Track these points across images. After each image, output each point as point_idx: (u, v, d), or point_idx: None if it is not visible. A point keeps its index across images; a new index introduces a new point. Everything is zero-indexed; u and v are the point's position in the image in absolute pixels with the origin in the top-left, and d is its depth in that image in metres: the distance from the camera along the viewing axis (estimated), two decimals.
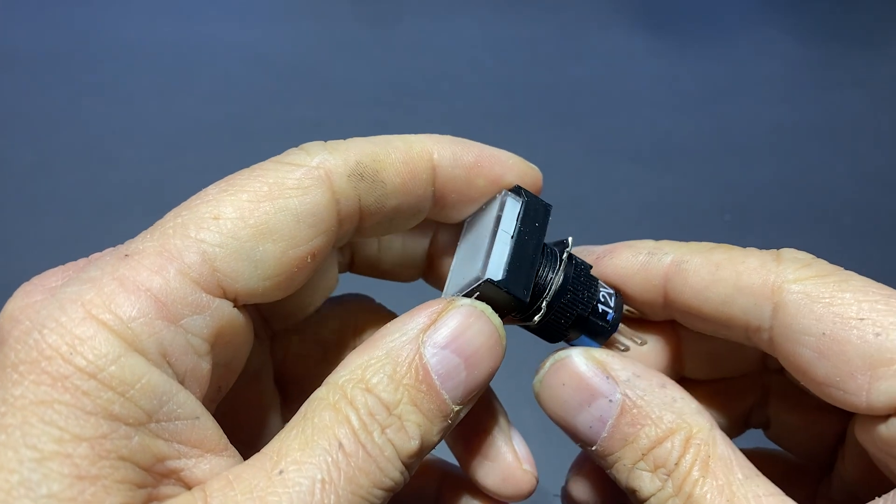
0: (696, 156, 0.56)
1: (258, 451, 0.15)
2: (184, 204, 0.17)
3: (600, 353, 0.19)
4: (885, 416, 0.16)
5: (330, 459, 0.14)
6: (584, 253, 0.23)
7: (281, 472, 0.14)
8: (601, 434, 0.17)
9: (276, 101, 0.61)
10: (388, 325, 0.17)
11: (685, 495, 0.16)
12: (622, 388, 0.18)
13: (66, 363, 0.13)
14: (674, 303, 0.19)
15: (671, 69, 0.67)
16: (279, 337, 0.21)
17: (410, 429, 0.15)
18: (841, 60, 0.68)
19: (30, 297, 0.15)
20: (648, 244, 0.20)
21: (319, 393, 0.16)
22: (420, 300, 0.18)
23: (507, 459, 0.19)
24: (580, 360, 0.19)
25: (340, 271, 0.22)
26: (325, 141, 0.19)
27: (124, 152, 0.55)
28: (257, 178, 0.17)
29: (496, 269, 0.18)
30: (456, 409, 0.16)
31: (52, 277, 0.16)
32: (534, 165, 0.21)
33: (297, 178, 0.17)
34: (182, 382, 0.15)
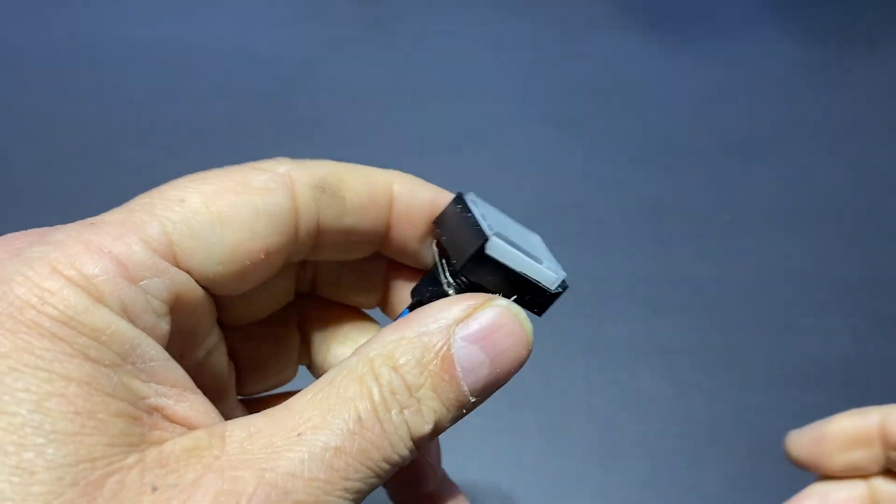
0: (696, 156, 0.56)
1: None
2: (154, 189, 0.18)
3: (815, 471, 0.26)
4: None
5: (347, 429, 0.15)
6: (808, 430, 0.27)
7: (300, 434, 0.15)
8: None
9: (276, 102, 0.61)
10: (426, 307, 0.18)
11: None
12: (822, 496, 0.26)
13: (38, 313, 0.14)
14: (892, 443, 0.24)
15: (671, 69, 0.67)
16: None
17: (426, 413, 0.16)
18: (841, 60, 0.69)
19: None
20: (857, 411, 0.25)
21: (349, 362, 0.17)
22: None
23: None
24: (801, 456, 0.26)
25: (299, 291, 0.23)
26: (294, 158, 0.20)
27: (125, 152, 0.55)
28: (226, 174, 0.18)
29: (558, 270, 0.20)
30: (472, 400, 0.17)
31: (16, 241, 0.17)
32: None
33: (263, 179, 0.18)
34: (146, 334, 0.16)
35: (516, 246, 0.19)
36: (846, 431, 0.25)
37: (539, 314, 0.21)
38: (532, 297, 0.20)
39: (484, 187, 0.52)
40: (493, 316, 0.17)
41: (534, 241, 0.22)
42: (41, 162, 0.54)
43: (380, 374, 0.16)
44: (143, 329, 0.16)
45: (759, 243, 0.48)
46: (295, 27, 0.72)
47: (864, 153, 0.57)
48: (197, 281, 0.17)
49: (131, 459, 0.14)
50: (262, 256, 0.18)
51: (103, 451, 0.14)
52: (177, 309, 0.17)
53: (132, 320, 0.15)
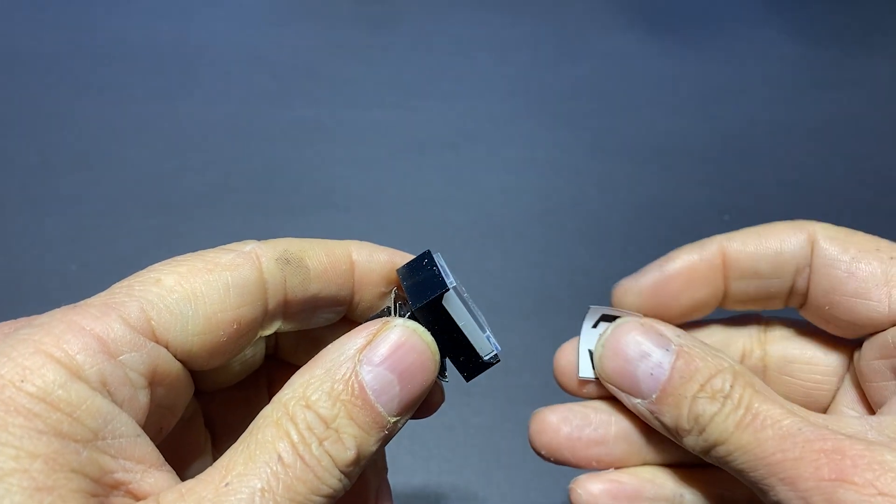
0: (696, 156, 0.56)
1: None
2: (133, 274, 0.19)
3: (648, 319, 0.23)
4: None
5: (270, 471, 0.16)
6: (642, 275, 0.25)
7: (227, 483, 0.16)
8: (661, 378, 0.21)
9: (276, 102, 0.61)
10: (331, 345, 0.19)
11: (744, 406, 0.19)
12: (675, 341, 0.22)
13: (17, 390, 0.15)
14: (735, 273, 0.23)
15: (671, 69, 0.67)
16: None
17: (347, 440, 0.17)
18: (840, 61, 0.69)
19: None
20: (686, 247, 0.24)
21: (265, 411, 0.18)
22: None
23: None
24: (637, 322, 0.23)
25: (266, 354, 0.24)
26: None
27: (125, 153, 0.55)
28: (198, 257, 0.19)
29: (496, 344, 0.21)
30: (392, 420, 0.18)
31: (4, 325, 0.18)
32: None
33: (231, 257, 0.19)
34: (122, 408, 0.17)
35: (469, 308, 0.20)
36: (689, 266, 0.24)
37: (467, 379, 0.21)
38: (466, 359, 0.21)
39: (484, 187, 0.53)
40: (395, 336, 0.19)
41: (479, 314, 0.22)
42: (42, 162, 0.54)
43: (294, 415, 0.17)
44: (122, 401, 0.17)
45: None
46: (295, 27, 0.72)
47: (863, 153, 0.57)
48: (175, 355, 0.18)
49: None
50: (235, 327, 0.19)
51: None
52: (155, 382, 0.18)
53: (111, 393, 0.17)
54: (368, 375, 0.18)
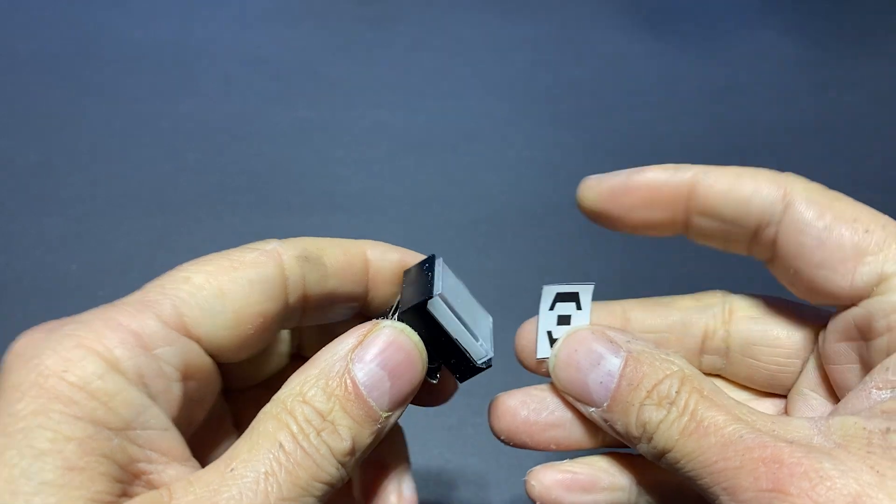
0: (695, 156, 0.56)
1: None
2: (164, 273, 0.21)
3: (600, 325, 0.23)
4: (861, 299, 0.20)
5: (272, 457, 0.18)
6: (609, 177, 0.24)
7: (232, 469, 0.17)
8: (611, 386, 0.21)
9: (276, 102, 0.61)
10: (325, 347, 0.20)
11: (689, 412, 0.19)
12: (624, 347, 0.21)
13: (59, 380, 0.17)
14: (698, 207, 0.22)
15: (671, 70, 0.67)
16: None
17: (343, 431, 0.18)
18: (839, 61, 0.69)
19: (32, 335, 0.19)
20: (662, 165, 0.23)
21: (266, 408, 0.19)
22: None
23: (391, 502, 0.22)
24: (588, 331, 0.22)
25: (291, 353, 0.26)
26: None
27: (126, 153, 0.55)
28: (224, 256, 0.21)
29: (489, 350, 0.22)
30: (384, 415, 0.19)
31: (51, 323, 0.19)
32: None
33: (254, 256, 0.21)
34: (155, 401, 0.18)
35: (457, 314, 0.21)
36: (655, 184, 0.23)
37: (460, 380, 0.22)
38: (458, 362, 0.22)
39: (484, 187, 0.53)
40: (384, 336, 0.20)
41: (482, 321, 0.23)
42: (42, 162, 0.54)
43: (293, 409, 0.18)
44: (157, 393, 0.18)
45: None
46: (295, 27, 0.72)
47: (862, 153, 0.57)
48: (206, 349, 0.20)
49: None
50: (260, 320, 0.20)
51: (83, 503, 0.16)
52: (188, 375, 0.19)
53: (146, 385, 0.18)
54: (360, 372, 0.19)
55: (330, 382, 0.19)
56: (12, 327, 0.43)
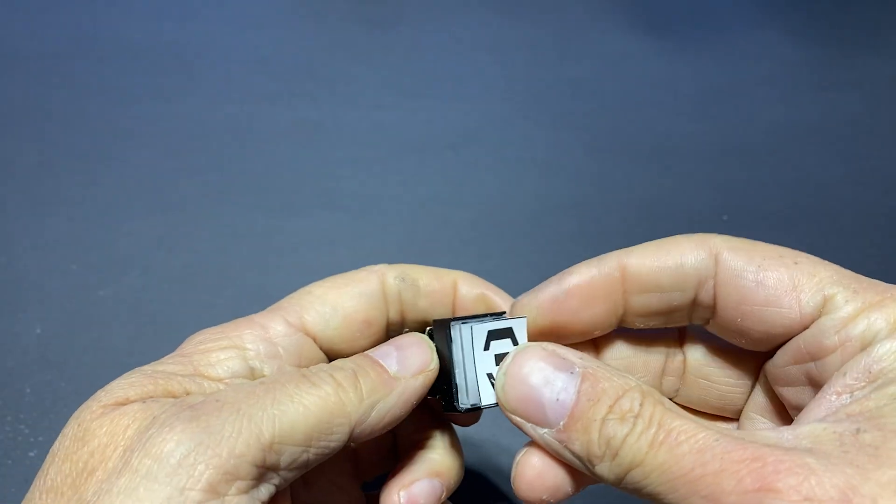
0: (695, 156, 0.56)
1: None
2: (297, 290, 0.26)
3: (549, 343, 0.22)
4: (810, 324, 0.20)
5: (274, 377, 0.22)
6: (541, 289, 0.24)
7: (262, 382, 0.22)
8: (568, 403, 0.20)
9: (277, 102, 0.61)
10: None
11: (656, 423, 0.18)
12: (578, 364, 0.21)
13: (193, 347, 0.24)
14: (635, 287, 0.23)
15: (670, 70, 0.67)
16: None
17: (345, 367, 0.22)
18: (838, 61, 0.69)
19: (196, 333, 0.24)
20: (585, 262, 0.23)
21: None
22: None
23: (391, 501, 0.25)
24: (538, 347, 0.22)
25: None
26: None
27: (126, 153, 0.55)
28: (340, 276, 0.26)
29: (478, 401, 0.23)
30: (393, 371, 0.23)
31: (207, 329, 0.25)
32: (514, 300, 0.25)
33: (363, 274, 0.26)
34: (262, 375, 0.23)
35: (466, 357, 0.22)
36: (588, 281, 0.23)
37: (444, 410, 0.24)
38: (447, 391, 0.24)
39: (484, 187, 0.53)
40: (404, 336, 0.25)
41: (492, 394, 0.23)
42: (42, 162, 0.54)
43: (318, 369, 0.22)
44: (273, 371, 0.24)
45: None
46: (295, 28, 0.72)
47: (862, 153, 0.57)
48: (321, 345, 0.25)
49: (136, 403, 0.21)
50: (365, 325, 0.26)
51: (135, 398, 0.21)
52: (300, 363, 0.24)
53: (262, 362, 0.24)
54: (376, 352, 0.24)
55: (351, 358, 0.23)
56: (12, 328, 0.43)
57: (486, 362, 0.23)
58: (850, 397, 0.19)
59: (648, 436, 0.18)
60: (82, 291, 0.44)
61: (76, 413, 0.21)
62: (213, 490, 0.18)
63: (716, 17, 0.76)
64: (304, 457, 0.20)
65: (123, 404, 0.20)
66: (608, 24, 0.73)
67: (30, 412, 0.37)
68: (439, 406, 0.25)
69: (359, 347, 0.26)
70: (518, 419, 0.21)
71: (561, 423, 0.20)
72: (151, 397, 0.20)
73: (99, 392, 0.21)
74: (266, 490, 0.20)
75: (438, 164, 0.55)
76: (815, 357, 0.20)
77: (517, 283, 0.45)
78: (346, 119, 0.59)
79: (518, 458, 0.22)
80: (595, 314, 0.23)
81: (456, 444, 0.26)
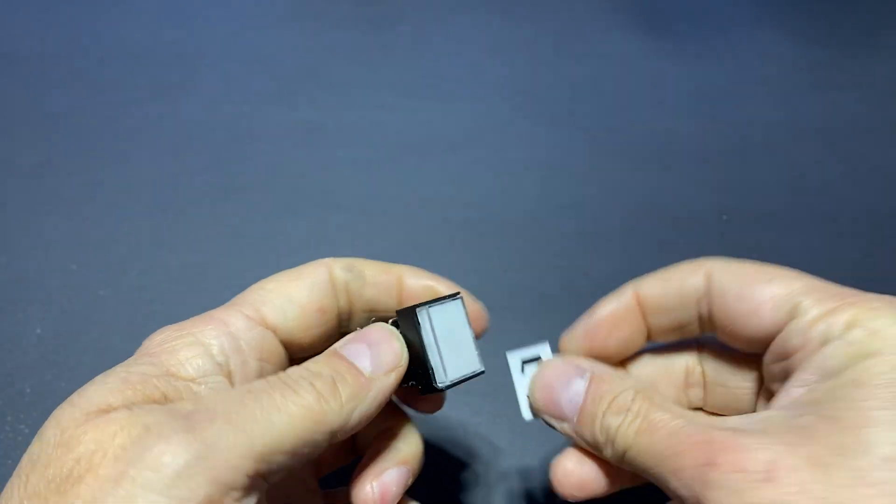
0: (694, 156, 0.56)
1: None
2: (250, 287, 0.27)
3: (567, 354, 0.28)
4: (783, 329, 0.24)
5: (259, 385, 0.22)
6: (577, 326, 0.29)
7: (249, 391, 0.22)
8: (579, 402, 0.25)
9: (277, 103, 0.61)
10: None
11: (642, 415, 0.23)
12: (589, 370, 0.26)
13: (158, 346, 0.24)
14: (650, 310, 0.28)
15: (670, 70, 0.67)
16: None
17: (324, 374, 0.23)
18: (838, 61, 0.69)
19: (157, 332, 0.24)
20: (606, 298, 0.28)
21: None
22: None
23: (364, 491, 0.26)
24: (559, 359, 0.27)
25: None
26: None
27: (126, 153, 0.55)
28: (290, 270, 0.27)
29: (454, 380, 0.26)
30: (367, 373, 0.24)
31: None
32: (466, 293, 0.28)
33: (312, 268, 0.27)
34: (232, 372, 0.24)
35: (437, 337, 0.25)
36: (611, 312, 0.28)
37: (420, 393, 0.26)
38: (423, 374, 0.25)
39: (484, 187, 0.53)
40: (364, 328, 0.25)
41: (466, 363, 0.26)
42: (42, 162, 0.54)
43: (292, 371, 0.23)
44: (236, 365, 0.24)
45: (756, 243, 0.48)
46: (295, 28, 0.72)
47: (861, 153, 0.57)
48: (281, 338, 0.26)
49: (121, 410, 0.21)
50: (319, 313, 0.27)
51: (117, 404, 0.21)
52: (263, 357, 0.25)
53: (227, 357, 0.24)
54: (344, 348, 0.24)
55: (319, 357, 0.24)
56: (13, 328, 0.43)
57: (524, 385, 0.27)
58: (805, 389, 0.22)
59: (635, 425, 0.23)
60: (82, 291, 0.44)
61: (54, 418, 0.21)
62: (211, 502, 0.19)
63: (715, 18, 0.76)
64: (289, 463, 0.21)
65: (107, 411, 0.20)
66: (608, 24, 0.73)
67: (30, 412, 0.37)
68: (410, 392, 0.27)
69: (315, 336, 0.27)
70: (546, 416, 0.27)
71: (575, 419, 0.25)
72: (134, 403, 0.21)
73: (74, 397, 0.21)
74: (254, 498, 0.20)
75: (438, 164, 0.55)
76: (786, 356, 0.24)
77: (517, 283, 0.46)
78: (346, 119, 0.59)
79: (555, 460, 0.26)
80: (622, 337, 0.28)
81: (415, 431, 0.28)
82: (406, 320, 0.25)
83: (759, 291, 0.24)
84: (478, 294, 0.46)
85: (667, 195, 0.52)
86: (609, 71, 0.66)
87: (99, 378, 0.22)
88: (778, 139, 0.58)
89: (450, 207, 0.51)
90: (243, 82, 0.63)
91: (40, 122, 0.58)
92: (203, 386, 0.23)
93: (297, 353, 0.27)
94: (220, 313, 0.25)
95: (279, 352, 0.26)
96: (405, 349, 0.25)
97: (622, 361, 0.29)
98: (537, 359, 0.29)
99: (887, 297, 0.23)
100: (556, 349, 0.29)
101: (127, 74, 0.64)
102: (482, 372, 0.26)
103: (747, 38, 0.72)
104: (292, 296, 0.26)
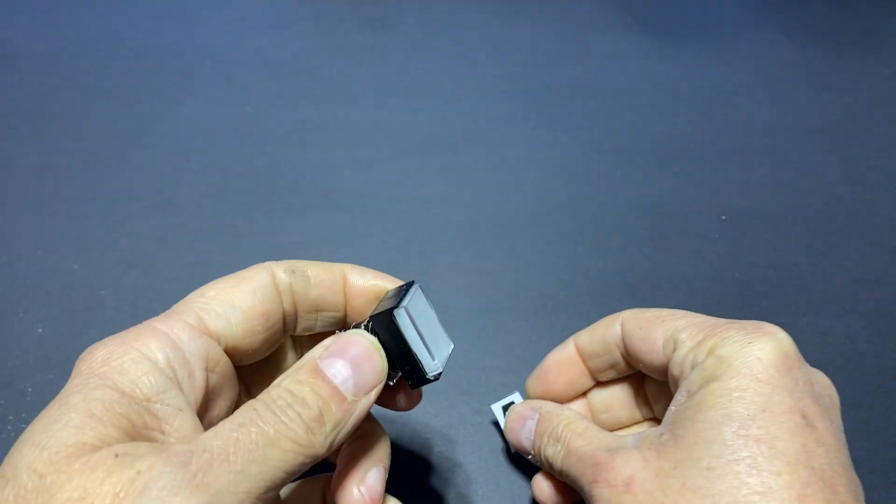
0: (693, 157, 0.57)
1: None
2: (189, 294, 0.26)
3: (529, 400, 0.34)
4: (669, 360, 0.28)
5: (246, 415, 0.22)
6: (534, 373, 0.35)
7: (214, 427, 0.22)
8: (531, 438, 0.31)
9: (277, 103, 0.61)
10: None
11: (564, 443, 0.29)
12: (538, 411, 0.32)
13: (102, 364, 0.22)
14: (585, 356, 0.33)
15: (669, 71, 0.67)
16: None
17: (311, 402, 0.23)
18: (836, 62, 0.69)
19: (94, 346, 0.23)
20: (554, 350, 0.34)
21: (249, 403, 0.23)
22: None
23: (353, 496, 0.26)
24: (520, 404, 0.33)
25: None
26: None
27: (127, 153, 0.55)
28: (230, 276, 0.27)
29: (441, 367, 0.27)
30: (351, 398, 0.24)
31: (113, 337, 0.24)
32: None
33: (253, 272, 0.27)
34: (181, 384, 0.23)
35: (418, 330, 0.26)
36: (556, 361, 0.33)
37: (411, 387, 0.27)
38: (411, 370, 0.26)
39: (484, 187, 0.53)
40: (345, 337, 0.25)
41: (443, 345, 0.28)
42: (42, 162, 0.54)
43: (269, 391, 0.23)
44: (182, 378, 0.23)
45: (755, 243, 0.48)
46: (295, 29, 0.72)
47: (859, 154, 0.57)
48: (224, 346, 0.25)
49: (104, 452, 0.20)
50: (264, 318, 0.26)
51: (92, 442, 0.20)
52: (209, 367, 0.24)
53: (174, 370, 0.23)
54: (324, 363, 0.24)
55: (300, 372, 0.23)
56: (14, 328, 0.43)
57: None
58: (674, 409, 0.26)
59: (562, 452, 0.29)
60: (83, 291, 0.44)
61: (24, 460, 0.19)
62: None
63: (715, 18, 0.76)
64: (279, 491, 0.22)
65: (83, 451, 0.19)
66: (608, 25, 0.74)
67: (31, 412, 0.37)
68: (387, 394, 0.28)
69: (260, 342, 0.26)
70: (517, 450, 0.33)
71: (532, 451, 0.31)
72: (108, 440, 0.20)
73: (40, 437, 0.20)
74: None
75: (438, 164, 0.55)
76: (675, 381, 0.27)
77: (517, 283, 0.46)
78: (346, 119, 0.59)
79: (533, 478, 0.33)
80: (568, 380, 0.33)
81: (382, 428, 0.28)
82: (382, 323, 0.25)
83: (653, 332, 0.29)
84: (478, 294, 0.46)
85: (666, 196, 0.52)
86: (609, 72, 0.66)
87: (56, 411, 0.20)
88: (777, 139, 0.59)
89: (449, 207, 0.51)
90: (243, 82, 0.63)
91: (40, 122, 0.58)
92: (160, 405, 0.22)
93: (242, 360, 0.26)
94: (160, 324, 0.24)
95: (225, 360, 0.25)
96: (385, 362, 0.25)
97: (585, 392, 0.34)
98: (511, 403, 0.35)
99: (750, 324, 0.26)
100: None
101: (127, 74, 0.64)
102: (453, 347, 0.28)
103: (747, 38, 0.72)
104: (235, 302, 0.25)
